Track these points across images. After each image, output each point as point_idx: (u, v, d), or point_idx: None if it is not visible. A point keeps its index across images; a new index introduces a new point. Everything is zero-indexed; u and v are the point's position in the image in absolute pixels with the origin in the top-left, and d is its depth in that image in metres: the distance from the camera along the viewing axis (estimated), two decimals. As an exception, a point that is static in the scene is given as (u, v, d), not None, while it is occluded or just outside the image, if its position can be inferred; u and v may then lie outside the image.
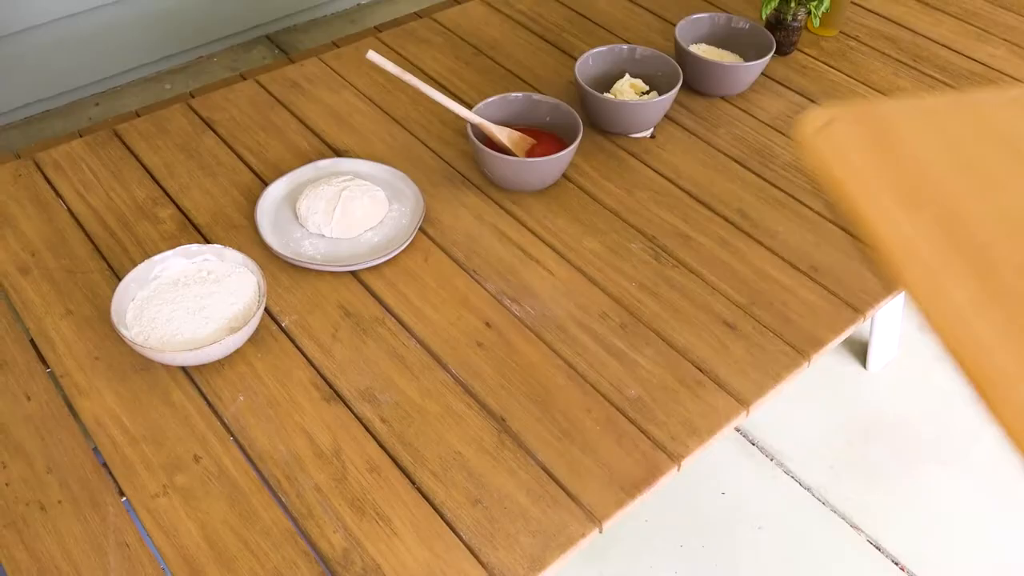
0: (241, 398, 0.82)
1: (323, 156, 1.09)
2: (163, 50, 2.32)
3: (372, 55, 0.98)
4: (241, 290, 0.86)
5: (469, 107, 1.06)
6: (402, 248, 0.95)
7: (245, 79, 1.22)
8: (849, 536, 1.44)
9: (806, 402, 1.63)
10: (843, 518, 1.47)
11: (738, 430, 1.60)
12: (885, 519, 1.47)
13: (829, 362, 1.70)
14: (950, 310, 0.49)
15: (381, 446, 0.79)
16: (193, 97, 1.18)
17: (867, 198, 0.55)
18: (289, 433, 0.79)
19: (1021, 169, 0.57)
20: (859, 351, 1.71)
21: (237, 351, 0.85)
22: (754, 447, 1.58)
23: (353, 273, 0.94)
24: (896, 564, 1.41)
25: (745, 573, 1.39)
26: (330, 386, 0.84)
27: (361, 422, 0.81)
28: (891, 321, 1.65)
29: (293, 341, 0.87)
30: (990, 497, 1.51)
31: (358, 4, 2.66)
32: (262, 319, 0.89)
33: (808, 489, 1.51)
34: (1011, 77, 1.29)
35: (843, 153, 0.58)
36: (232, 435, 0.79)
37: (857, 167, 0.57)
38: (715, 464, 1.53)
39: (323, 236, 0.97)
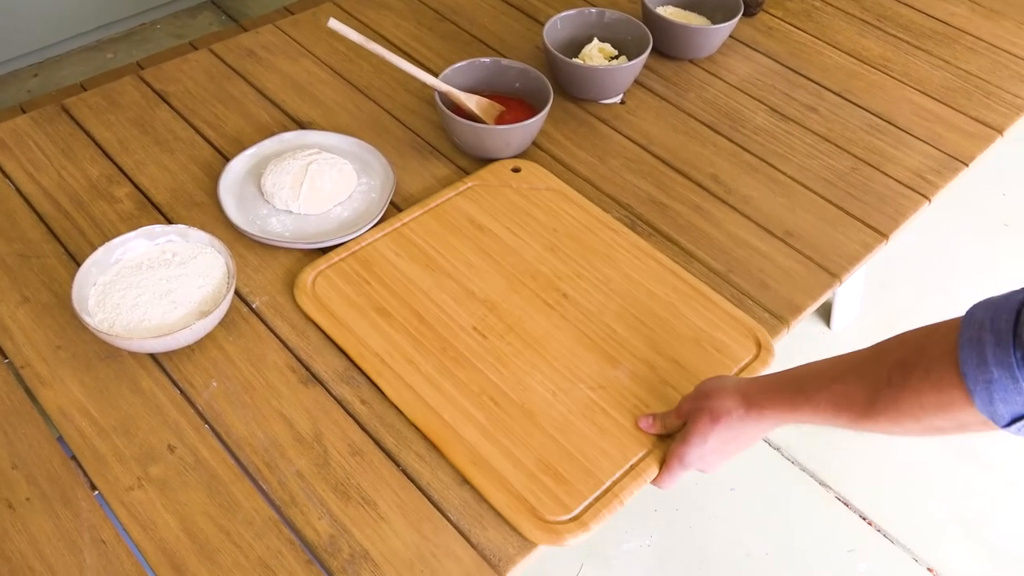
0: (214, 384, 0.79)
1: (286, 129, 1.05)
2: (102, 17, 2.22)
3: (334, 23, 0.94)
4: (209, 271, 0.83)
5: (435, 75, 1.02)
6: (375, 222, 0.93)
7: (197, 48, 1.16)
8: (818, 493, 1.47)
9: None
10: (812, 476, 1.49)
11: (707, 393, 1.61)
12: (851, 476, 1.49)
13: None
14: (408, 386, 0.78)
15: (363, 428, 0.77)
16: (142, 68, 1.13)
17: (355, 320, 0.82)
18: (267, 418, 0.77)
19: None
20: (823, 311, 1.73)
21: (207, 335, 0.82)
22: (723, 409, 1.59)
23: (322, 250, 0.91)
24: (863, 519, 1.44)
25: (720, 534, 1.41)
26: (306, 368, 0.81)
27: (341, 404, 0.78)
28: (853, 281, 1.67)
29: (265, 323, 0.85)
30: (949, 449, 1.55)
31: (306, -33, 2.57)
32: (232, 301, 0.85)
33: (777, 449, 1.53)
34: (972, 35, 1.30)
35: (333, 295, 0.84)
36: (207, 422, 0.76)
37: (348, 299, 0.84)
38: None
39: (291, 212, 0.94)
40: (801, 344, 1.67)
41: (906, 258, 1.85)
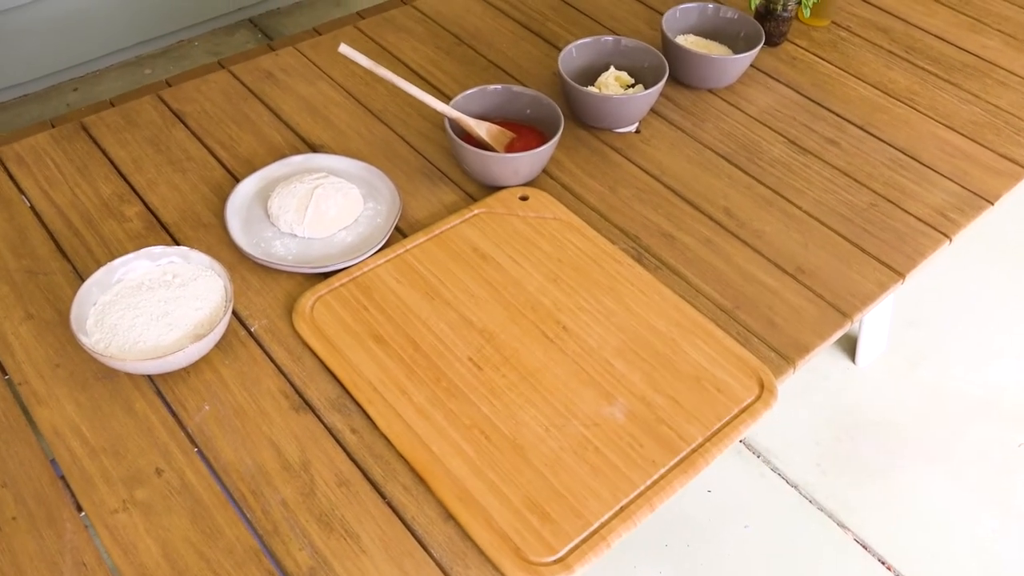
0: (206, 407, 0.79)
1: (297, 151, 1.06)
2: (142, 34, 2.26)
3: (344, 48, 0.94)
4: (207, 294, 0.83)
5: (449, 99, 1.02)
6: (377, 248, 0.92)
7: (223, 67, 1.18)
8: (836, 534, 1.43)
9: (794, 397, 1.61)
10: (830, 516, 1.45)
11: (725, 426, 1.58)
12: (871, 518, 1.45)
13: (817, 357, 1.68)
14: (399, 416, 0.77)
15: (351, 458, 0.76)
16: (169, 86, 1.14)
17: (351, 347, 0.82)
18: (256, 444, 0.76)
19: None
20: (848, 346, 1.69)
21: (203, 358, 0.82)
22: (741, 443, 1.56)
23: (325, 274, 0.91)
24: (883, 563, 1.39)
25: (731, 572, 1.38)
26: (299, 395, 0.81)
27: (331, 433, 0.78)
28: (880, 317, 1.63)
29: (262, 347, 0.84)
30: (975, 495, 1.50)
31: (343, -13, 2.60)
32: (230, 324, 0.86)
33: (795, 487, 1.49)
34: (1004, 69, 1.26)
35: (331, 321, 0.84)
36: (196, 446, 0.76)
37: (345, 326, 0.84)
38: (701, 461, 1.51)
39: (295, 236, 0.94)
40: (824, 380, 1.63)
41: (936, 294, 1.81)
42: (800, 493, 1.48)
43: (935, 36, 1.32)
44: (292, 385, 0.81)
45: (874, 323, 1.62)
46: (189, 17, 2.33)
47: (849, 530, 1.43)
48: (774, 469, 1.52)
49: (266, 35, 2.42)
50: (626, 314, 0.87)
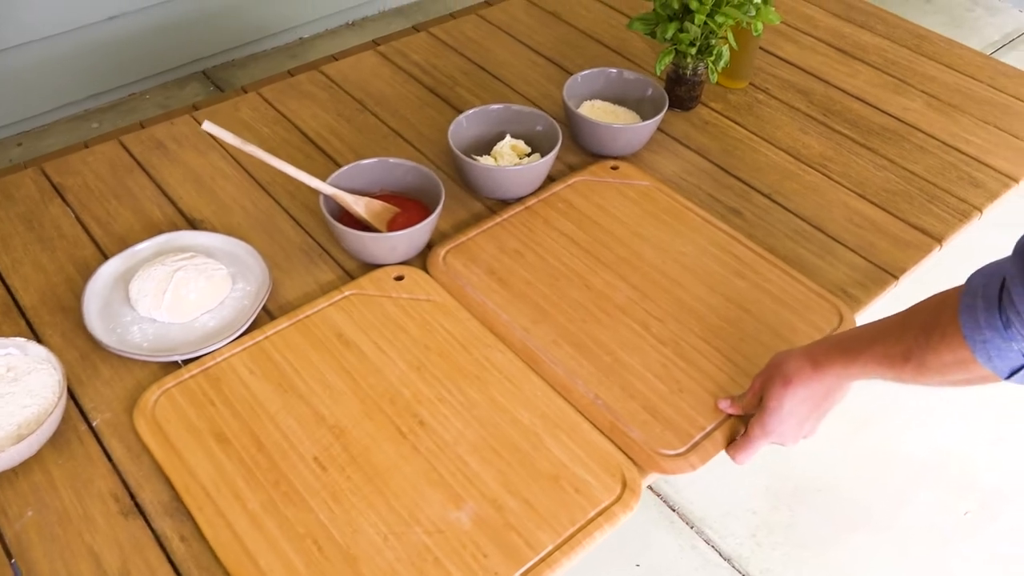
0: (30, 513, 0.75)
1: (175, 227, 1.02)
2: (93, 87, 2.25)
3: (208, 126, 0.91)
4: (41, 391, 0.79)
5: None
6: (237, 335, 0.88)
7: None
8: (766, 613, 1.37)
9: (730, 462, 1.55)
10: (760, 593, 1.39)
11: (658, 494, 1.53)
12: (805, 594, 1.39)
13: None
14: (229, 524, 0.73)
15: (176, 570, 0.71)
16: (99, 143, 1.11)
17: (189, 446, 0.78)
18: (74, 555, 0.72)
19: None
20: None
21: (35, 456, 0.78)
22: (674, 512, 1.50)
23: (181, 362, 0.87)
24: (814, 644, 1.33)
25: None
26: (132, 497, 0.76)
27: (159, 541, 0.73)
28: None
29: (101, 444, 0.80)
30: (920, 566, 1.44)
31: (300, 39, 2.60)
32: (71, 419, 0.81)
33: (728, 560, 1.44)
34: (924, 132, 1.22)
35: (173, 417, 0.80)
36: (11, 558, 0.72)
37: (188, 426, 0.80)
38: (630, 532, 1.46)
39: (154, 320, 0.90)
40: (763, 444, 1.58)
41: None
42: (733, 567, 1.43)
43: (855, 98, 1.29)
44: (126, 487, 0.77)
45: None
46: (141, 70, 2.32)
47: (780, 608, 1.37)
48: (707, 540, 1.46)
49: (218, 87, 2.40)
50: (489, 406, 0.83)
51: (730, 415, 0.84)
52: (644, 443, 0.80)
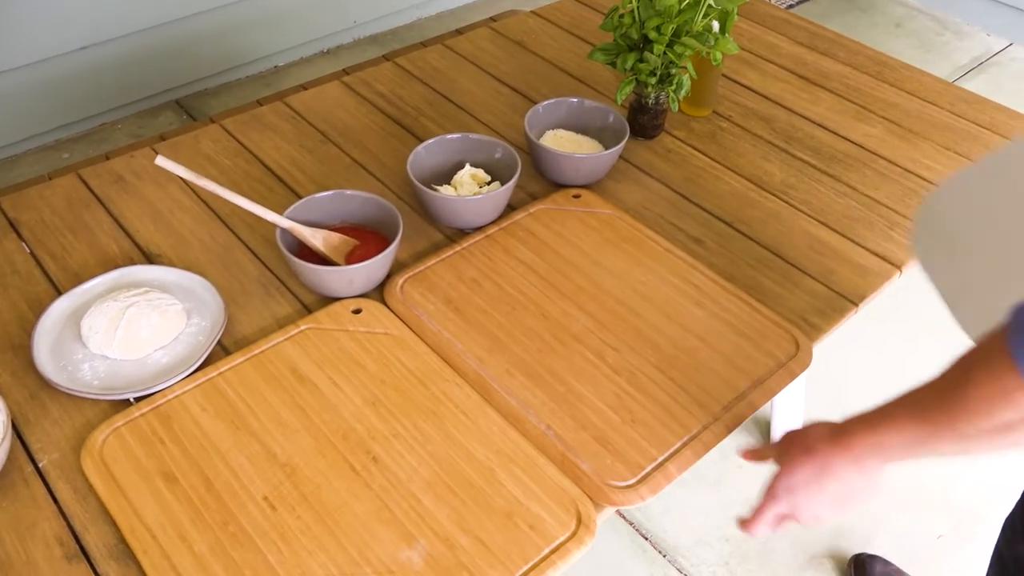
0: (-30, 559, 0.73)
1: (132, 261, 1.01)
2: (64, 117, 2.24)
3: (161, 160, 0.90)
4: (-16, 432, 0.77)
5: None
6: (191, 370, 0.87)
7: (109, 157, 1.13)
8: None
9: (704, 489, 1.55)
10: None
11: (631, 522, 1.51)
12: (778, 623, 1.38)
13: (728, 444, 1.62)
14: (173, 567, 0.71)
15: (119, 615, 0.70)
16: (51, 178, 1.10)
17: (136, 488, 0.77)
18: (15, 602, 0.70)
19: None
20: (764, 429, 1.64)
21: (-22, 500, 0.76)
22: (647, 541, 1.49)
23: (132, 400, 0.85)
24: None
25: None
26: (77, 541, 0.75)
27: (103, 585, 0.72)
28: (793, 401, 1.57)
29: (47, 485, 0.79)
30: (892, 594, 1.43)
31: (275, 67, 2.60)
32: (17, 460, 0.80)
33: (701, 591, 1.42)
34: (885, 159, 1.23)
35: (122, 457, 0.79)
36: (-52, 606, 0.70)
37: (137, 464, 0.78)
38: (603, 561, 1.44)
39: (106, 358, 0.89)
40: (735, 469, 1.57)
41: (854, 380, 1.76)
42: (707, 600, 1.41)
43: (817, 124, 1.30)
44: (71, 530, 0.75)
45: (787, 410, 1.57)
46: (113, 100, 2.31)
47: (753, 638, 1.36)
48: (680, 569, 1.45)
49: (191, 116, 2.40)
50: (444, 441, 0.82)
51: (684, 445, 0.83)
52: (594, 474, 0.80)
